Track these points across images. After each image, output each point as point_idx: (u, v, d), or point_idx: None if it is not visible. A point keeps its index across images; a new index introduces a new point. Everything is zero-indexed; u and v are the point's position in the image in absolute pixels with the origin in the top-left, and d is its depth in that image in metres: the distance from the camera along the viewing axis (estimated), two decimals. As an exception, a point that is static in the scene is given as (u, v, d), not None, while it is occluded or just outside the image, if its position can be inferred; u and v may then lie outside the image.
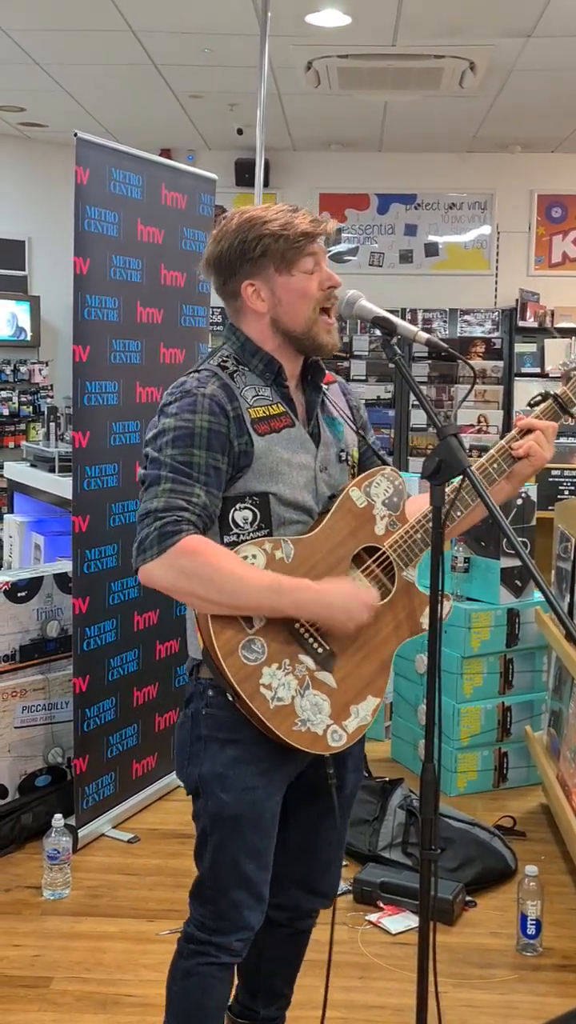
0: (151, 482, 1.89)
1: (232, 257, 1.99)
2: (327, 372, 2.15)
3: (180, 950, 2.11)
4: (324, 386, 2.13)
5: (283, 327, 2.01)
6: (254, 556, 1.90)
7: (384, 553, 2.05)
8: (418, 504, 2.12)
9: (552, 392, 2.13)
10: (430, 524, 2.04)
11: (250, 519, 1.95)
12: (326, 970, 2.17)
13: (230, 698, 1.92)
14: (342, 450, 2.11)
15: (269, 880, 2.08)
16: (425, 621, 2.07)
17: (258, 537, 1.94)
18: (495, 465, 2.07)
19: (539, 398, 2.14)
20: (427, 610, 2.06)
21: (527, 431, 2.09)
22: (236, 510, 1.94)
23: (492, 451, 2.08)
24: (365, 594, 1.96)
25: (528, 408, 2.16)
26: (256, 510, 1.95)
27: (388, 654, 2.06)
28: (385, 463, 2.16)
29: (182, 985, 2.09)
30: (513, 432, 2.11)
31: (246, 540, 1.93)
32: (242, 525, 1.94)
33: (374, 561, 2.05)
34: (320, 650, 1.96)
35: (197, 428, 1.89)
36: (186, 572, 1.83)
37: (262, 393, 2.00)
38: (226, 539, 1.94)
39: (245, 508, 1.95)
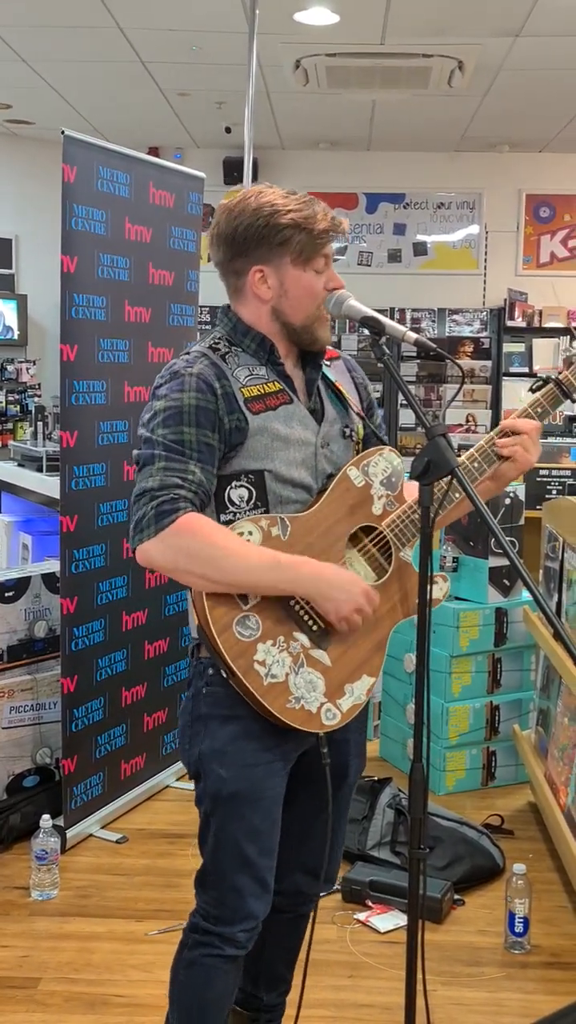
0: (145, 461, 1.91)
1: (249, 237, 1.97)
2: (329, 348, 2.14)
3: (184, 940, 2.11)
4: (327, 362, 2.13)
5: (283, 318, 2.02)
6: (250, 533, 1.91)
7: (381, 533, 2.05)
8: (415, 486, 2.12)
9: (554, 376, 2.12)
10: None
11: (246, 497, 1.96)
12: (303, 969, 2.18)
13: (224, 675, 1.92)
14: (346, 426, 2.10)
15: (274, 868, 2.07)
16: None
17: (255, 515, 1.95)
18: (475, 464, 2.06)
19: (540, 383, 2.13)
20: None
21: (510, 432, 2.07)
22: (232, 488, 1.96)
23: (472, 451, 2.07)
24: (366, 584, 1.96)
25: (529, 393, 2.15)
26: (252, 488, 1.96)
27: (384, 633, 2.05)
28: (383, 443, 2.15)
29: (185, 975, 2.09)
30: (493, 433, 2.10)
31: (243, 518, 1.94)
32: (238, 503, 1.96)
33: (371, 541, 2.05)
34: (315, 628, 1.96)
35: (185, 406, 1.91)
36: (184, 551, 1.85)
37: (257, 372, 2.01)
38: (223, 517, 1.96)
39: (241, 486, 1.96)
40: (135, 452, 1.96)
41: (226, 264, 2.03)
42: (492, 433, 2.10)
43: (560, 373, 2.12)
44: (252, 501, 1.96)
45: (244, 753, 1.98)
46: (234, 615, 1.89)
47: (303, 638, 1.95)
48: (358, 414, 2.14)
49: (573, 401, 2.14)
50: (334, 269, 2.05)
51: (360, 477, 2.04)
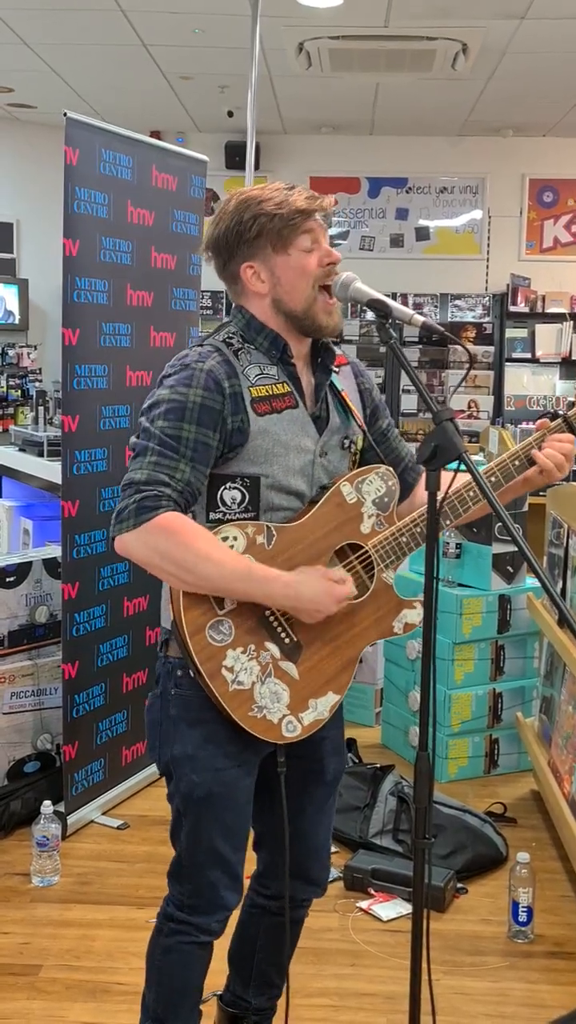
0: (139, 452, 1.90)
1: (230, 239, 1.99)
2: (340, 354, 2.13)
3: (160, 927, 2.14)
4: (336, 368, 2.11)
5: (284, 308, 2.00)
6: (235, 538, 1.91)
7: (367, 552, 2.04)
8: (408, 507, 2.12)
9: (562, 412, 2.11)
10: (418, 529, 2.03)
11: (238, 500, 1.95)
12: (286, 956, 2.20)
13: (192, 675, 1.93)
14: (346, 437, 2.09)
15: (244, 861, 2.10)
16: (397, 626, 2.07)
17: (244, 518, 1.94)
18: (516, 462, 2.05)
19: (551, 415, 2.12)
20: (400, 615, 2.07)
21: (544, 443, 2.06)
22: (225, 489, 1.95)
23: (515, 450, 2.06)
24: (337, 588, 1.93)
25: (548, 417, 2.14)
26: (245, 491, 1.95)
27: (355, 652, 2.05)
28: (382, 458, 2.14)
29: (162, 960, 2.12)
30: (530, 439, 2.07)
31: (232, 520, 1.93)
32: (229, 504, 1.95)
33: (357, 558, 2.04)
34: (287, 640, 1.97)
35: (190, 402, 1.89)
36: (159, 549, 1.84)
37: (267, 371, 1.99)
38: (212, 516, 1.95)
39: (234, 488, 1.95)
40: (132, 439, 1.94)
41: (222, 271, 2.05)
42: (530, 440, 2.08)
43: (571, 409, 2.11)
44: (243, 504, 1.95)
45: (214, 757, 2.00)
46: (208, 618, 1.89)
47: (274, 648, 1.95)
48: (360, 426, 2.13)
49: None
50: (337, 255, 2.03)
51: (353, 494, 2.03)
